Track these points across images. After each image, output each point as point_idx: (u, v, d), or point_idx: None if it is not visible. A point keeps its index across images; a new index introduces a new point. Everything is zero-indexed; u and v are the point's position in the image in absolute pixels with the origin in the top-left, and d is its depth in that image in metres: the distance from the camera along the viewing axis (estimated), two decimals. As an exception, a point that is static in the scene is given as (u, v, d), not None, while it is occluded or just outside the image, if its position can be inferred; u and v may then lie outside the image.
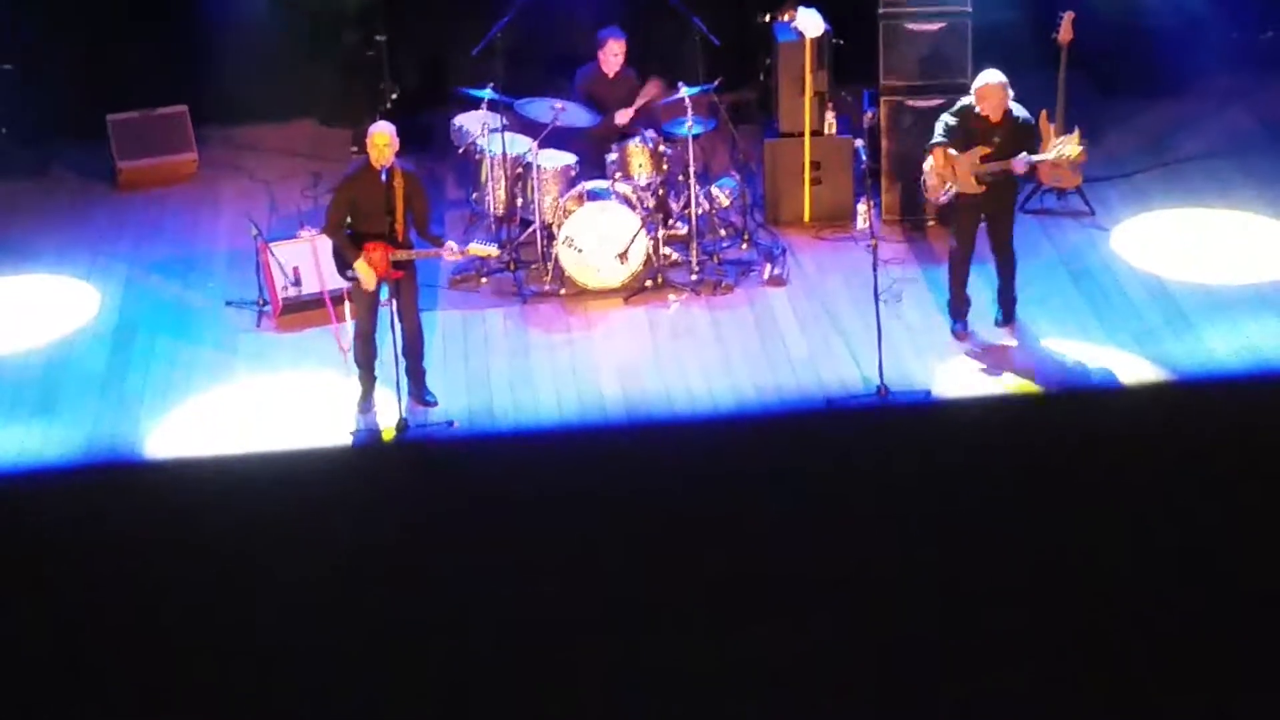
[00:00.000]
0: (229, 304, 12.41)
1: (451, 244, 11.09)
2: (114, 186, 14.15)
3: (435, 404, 11.24)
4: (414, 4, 14.70)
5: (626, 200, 12.24)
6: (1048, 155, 11.72)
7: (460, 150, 13.03)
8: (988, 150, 11.30)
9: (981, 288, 11.86)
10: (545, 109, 12.55)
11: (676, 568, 4.76)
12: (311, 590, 4.67)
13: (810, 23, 12.92)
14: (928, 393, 11.04)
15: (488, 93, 12.66)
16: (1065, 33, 12.69)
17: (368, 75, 14.30)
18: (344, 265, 10.98)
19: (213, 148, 14.55)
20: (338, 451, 8.32)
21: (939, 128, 11.46)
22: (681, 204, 12.61)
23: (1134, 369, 11.26)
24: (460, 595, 4.70)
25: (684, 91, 12.35)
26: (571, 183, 12.43)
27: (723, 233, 12.87)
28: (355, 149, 13.74)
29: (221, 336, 12.07)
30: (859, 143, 11.84)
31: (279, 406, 11.34)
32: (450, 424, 11.01)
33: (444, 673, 4.62)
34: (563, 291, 12.36)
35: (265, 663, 4.63)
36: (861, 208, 12.84)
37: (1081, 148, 11.81)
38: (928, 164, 11.57)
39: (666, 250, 12.49)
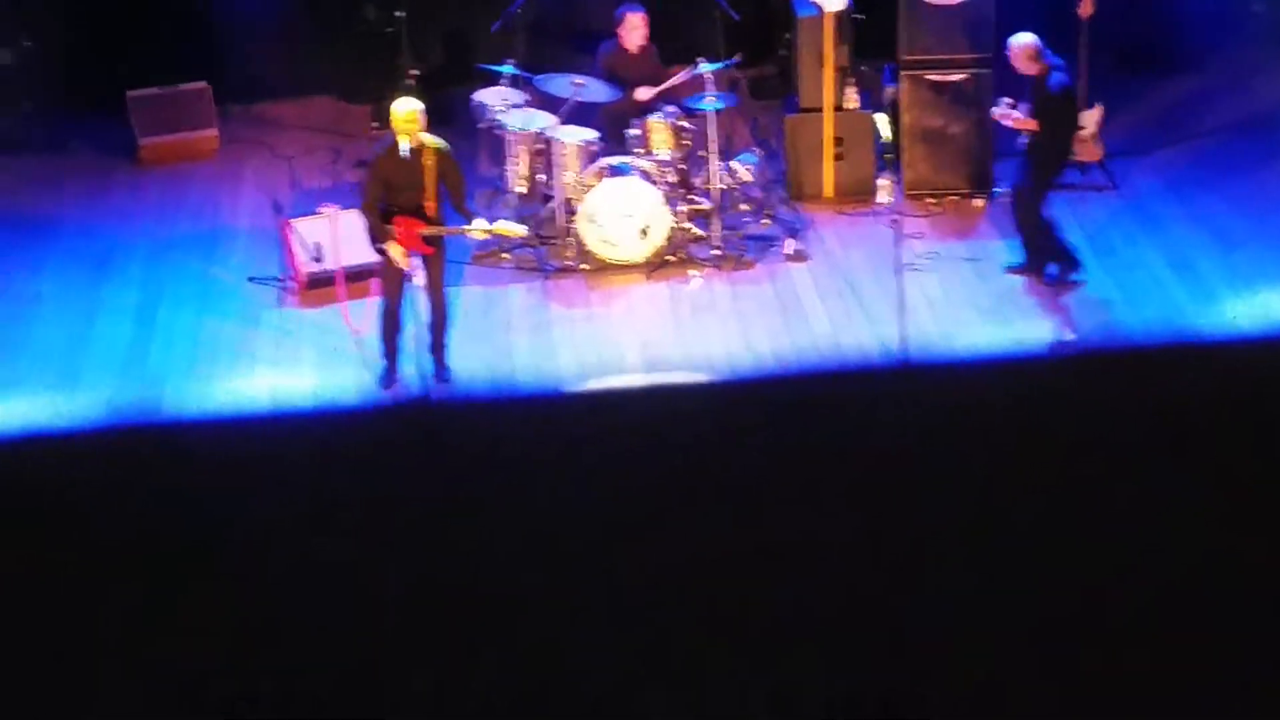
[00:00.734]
0: (251, 280, 12.43)
1: (481, 221, 11.09)
2: (135, 163, 14.18)
3: (451, 382, 11.23)
4: (434, -20, 14.71)
5: (648, 176, 12.23)
6: None
7: (481, 126, 13.03)
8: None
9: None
10: (565, 84, 12.54)
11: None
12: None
13: (830, -3, 12.90)
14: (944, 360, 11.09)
15: (508, 68, 12.65)
16: (1086, 7, 12.67)
17: (388, 51, 14.29)
18: (376, 240, 10.98)
19: (234, 124, 14.56)
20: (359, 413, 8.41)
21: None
22: (703, 179, 12.60)
23: (1156, 336, 11.27)
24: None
25: (704, 67, 12.35)
26: (592, 158, 12.42)
27: (744, 208, 12.86)
28: (376, 124, 13.76)
29: (244, 312, 12.09)
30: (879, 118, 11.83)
31: (300, 381, 11.35)
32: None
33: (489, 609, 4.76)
34: (584, 267, 12.37)
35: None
36: (883, 182, 12.88)
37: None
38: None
39: (688, 225, 12.49)
